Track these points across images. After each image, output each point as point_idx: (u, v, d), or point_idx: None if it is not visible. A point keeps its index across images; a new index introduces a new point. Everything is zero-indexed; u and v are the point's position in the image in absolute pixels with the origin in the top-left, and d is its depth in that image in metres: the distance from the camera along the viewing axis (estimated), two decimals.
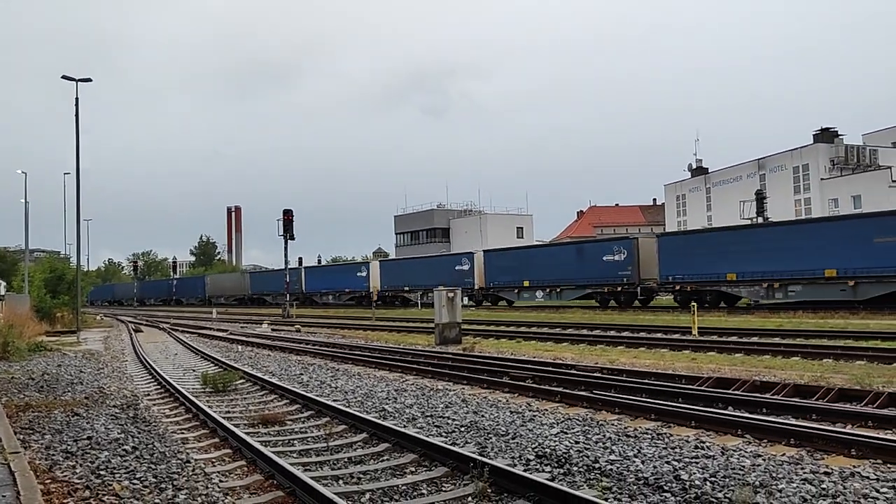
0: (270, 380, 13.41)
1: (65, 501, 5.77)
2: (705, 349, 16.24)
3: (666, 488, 5.90)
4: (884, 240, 25.70)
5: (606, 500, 5.64)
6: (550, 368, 13.41)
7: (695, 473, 6.26)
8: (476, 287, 45.34)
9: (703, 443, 7.45)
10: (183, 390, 11.92)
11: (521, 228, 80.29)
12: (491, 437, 8.08)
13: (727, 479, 6.05)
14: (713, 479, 6.09)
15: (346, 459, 7.41)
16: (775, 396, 9.67)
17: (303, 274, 64.30)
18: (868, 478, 5.99)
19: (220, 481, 6.57)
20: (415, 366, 14.95)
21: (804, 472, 6.18)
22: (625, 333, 21.22)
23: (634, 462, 6.74)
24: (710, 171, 69.34)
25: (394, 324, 31.45)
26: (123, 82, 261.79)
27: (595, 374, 12.52)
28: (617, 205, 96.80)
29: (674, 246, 34.31)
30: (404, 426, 8.70)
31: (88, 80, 29.88)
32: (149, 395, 12.68)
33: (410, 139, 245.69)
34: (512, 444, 7.69)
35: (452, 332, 20.55)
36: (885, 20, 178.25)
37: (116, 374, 16.05)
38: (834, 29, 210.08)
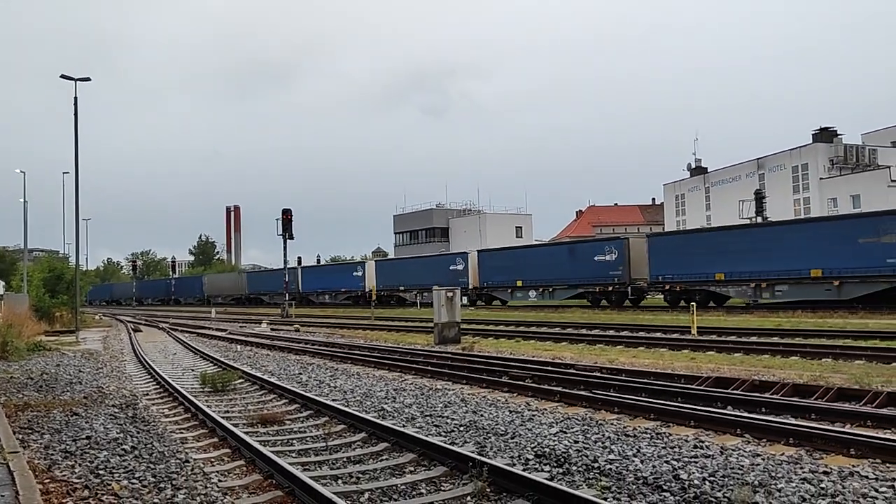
0: (269, 379, 13.41)
1: (63, 501, 5.77)
2: (704, 349, 16.25)
3: (665, 488, 5.90)
4: (868, 240, 26.16)
5: (606, 499, 5.64)
6: (549, 368, 13.41)
7: (694, 473, 6.26)
8: (470, 286, 45.57)
9: (703, 442, 7.46)
10: (182, 390, 11.92)
11: (521, 228, 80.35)
12: (490, 437, 8.08)
13: (726, 479, 6.05)
14: (712, 478, 6.09)
15: (345, 459, 7.41)
16: (774, 396, 9.68)
17: (299, 274, 64.37)
18: (867, 477, 5.99)
19: (219, 481, 6.56)
20: (414, 365, 14.95)
21: (803, 472, 6.19)
22: (624, 333, 21.23)
23: (633, 461, 6.74)
24: (709, 170, 69.33)
25: (393, 323, 31.45)
26: (123, 82, 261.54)
27: (594, 374, 12.53)
28: (616, 204, 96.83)
29: (663, 246, 34.79)
30: (403, 426, 8.70)
31: (87, 79, 29.89)
32: (148, 394, 12.67)
33: (410, 139, 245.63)
34: (511, 444, 7.69)
35: (451, 331, 20.56)
36: (884, 20, 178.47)
37: (115, 373, 16.04)
38: (833, 29, 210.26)
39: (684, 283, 32.97)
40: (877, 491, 5.64)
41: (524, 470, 6.51)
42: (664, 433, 7.98)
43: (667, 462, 6.67)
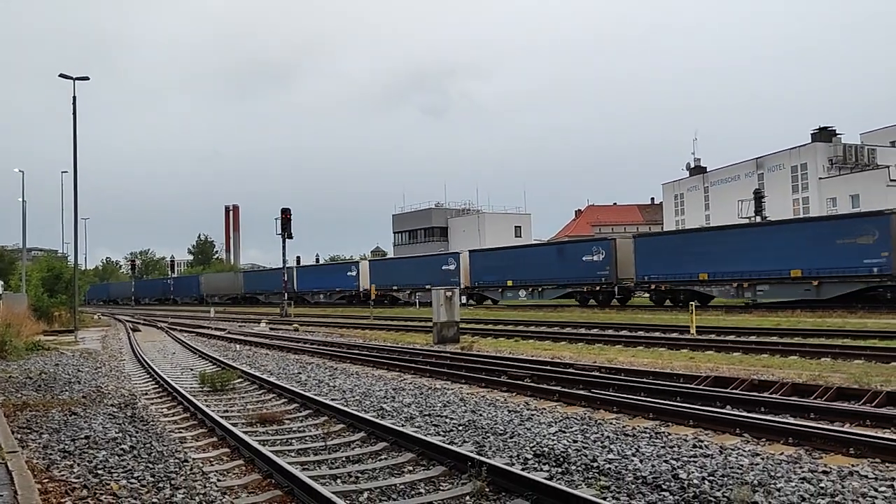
0: (269, 379, 13.40)
1: (62, 501, 5.76)
2: (703, 348, 16.25)
3: (664, 487, 5.90)
4: (845, 241, 26.74)
5: (605, 499, 5.63)
6: (548, 367, 13.41)
7: (693, 472, 6.26)
8: (462, 286, 45.80)
9: (702, 442, 7.46)
10: (181, 389, 11.91)
11: (520, 228, 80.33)
12: (489, 436, 8.08)
13: (725, 478, 6.05)
14: (711, 478, 6.09)
15: (344, 458, 7.40)
16: (773, 395, 9.68)
17: (294, 273, 64.48)
18: (866, 477, 5.99)
19: (219, 480, 6.56)
20: (413, 365, 14.94)
21: (803, 471, 6.19)
22: (622, 332, 21.23)
23: (633, 461, 6.73)
24: (708, 170, 69.36)
25: (392, 323, 31.44)
26: (123, 82, 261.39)
27: (593, 373, 12.53)
28: (615, 204, 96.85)
29: (649, 247, 35.27)
30: (402, 425, 8.70)
31: (86, 78, 29.87)
32: (147, 394, 12.66)
33: (409, 139, 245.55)
34: (510, 443, 7.69)
35: (450, 331, 20.55)
36: (884, 20, 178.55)
37: (114, 373, 16.02)
38: (833, 29, 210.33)
39: (669, 282, 33.68)
40: (876, 490, 5.64)
41: (523, 469, 6.51)
42: (663, 433, 7.97)
43: (666, 461, 6.66)
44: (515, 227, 79.87)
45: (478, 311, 40.38)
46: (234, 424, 8.89)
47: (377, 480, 6.50)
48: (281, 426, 9.29)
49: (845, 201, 52.55)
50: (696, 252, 32.19)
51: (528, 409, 9.73)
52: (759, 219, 43.97)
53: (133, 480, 6.41)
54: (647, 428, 8.26)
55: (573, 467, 6.62)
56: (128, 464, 7.02)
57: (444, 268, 48.11)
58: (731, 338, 18.39)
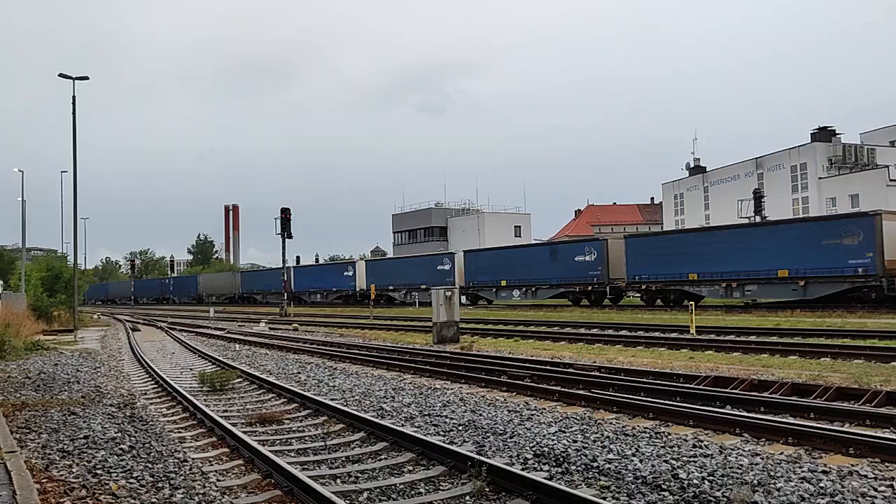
0: (268, 379, 13.39)
1: (61, 500, 5.75)
2: (703, 348, 16.25)
3: (664, 487, 5.90)
4: (830, 242, 27.24)
5: (605, 499, 5.62)
6: (548, 367, 13.40)
7: (693, 472, 6.25)
8: (457, 286, 45.87)
9: (702, 441, 7.45)
10: (180, 389, 11.89)
11: (519, 227, 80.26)
12: (489, 436, 8.07)
13: (725, 478, 6.05)
14: (711, 477, 6.09)
15: (343, 458, 7.40)
16: (773, 395, 9.68)
17: (291, 273, 64.62)
18: (866, 476, 5.99)
19: (218, 480, 6.55)
20: (412, 365, 14.93)
21: (802, 471, 6.18)
22: (622, 332, 21.22)
23: (633, 461, 6.73)
24: (707, 169, 69.33)
25: (391, 323, 31.43)
26: (123, 81, 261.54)
27: (593, 373, 12.52)
28: (615, 203, 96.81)
29: (640, 247, 35.71)
30: (402, 425, 8.69)
31: (86, 77, 29.89)
32: (146, 393, 12.65)
33: (409, 138, 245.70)
34: (510, 443, 7.68)
35: (450, 330, 20.54)
36: (883, 20, 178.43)
37: (114, 372, 16.01)
38: (833, 29, 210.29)
39: (660, 282, 34.16)
40: (876, 490, 5.63)
41: (523, 469, 6.50)
42: (663, 432, 7.97)
43: (666, 461, 6.66)
44: (515, 226, 79.80)
45: (477, 311, 40.38)
46: (234, 424, 8.88)
47: (377, 480, 6.50)
48: (280, 426, 9.28)
49: (845, 201, 52.52)
50: (685, 252, 32.69)
51: (527, 409, 9.72)
52: (758, 219, 44.01)
53: (132, 480, 6.40)
54: (646, 428, 8.25)
55: (573, 467, 6.61)
56: (127, 464, 7.01)
57: (439, 268, 48.53)
58: (731, 338, 18.38)
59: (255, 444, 7.38)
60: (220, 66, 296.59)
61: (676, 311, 30.35)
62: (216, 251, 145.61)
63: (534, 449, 7.34)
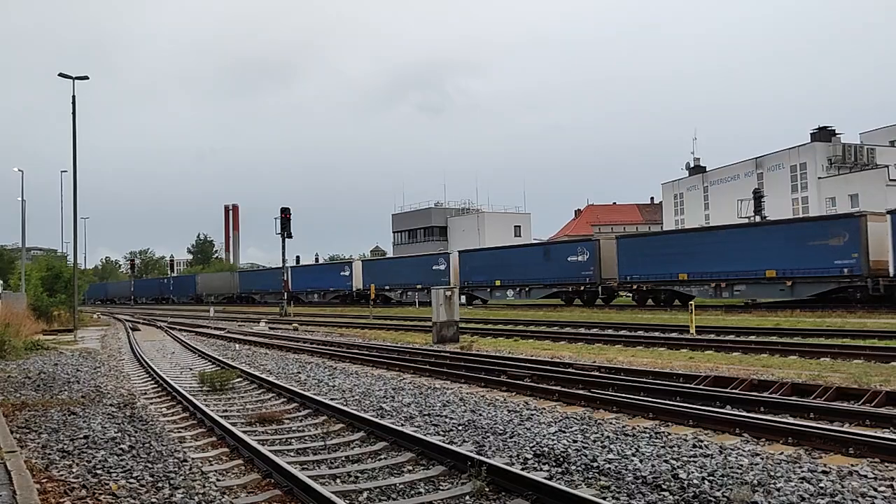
0: (268, 378, 13.39)
1: (61, 500, 5.75)
2: (703, 348, 16.25)
3: (664, 487, 5.89)
4: (816, 243, 27.73)
5: (605, 498, 5.62)
6: (548, 367, 13.40)
7: (693, 472, 6.25)
8: (456, 286, 46.15)
9: (702, 441, 7.45)
10: (180, 389, 11.89)
11: (519, 227, 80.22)
12: (489, 436, 8.07)
13: (725, 478, 6.05)
14: (711, 477, 6.09)
15: (343, 458, 7.40)
16: (773, 395, 9.68)
17: (289, 273, 64.80)
18: (866, 476, 5.99)
19: (218, 480, 6.55)
20: (412, 364, 14.93)
21: (802, 471, 6.18)
22: (622, 332, 21.22)
23: (633, 461, 6.73)
24: (707, 169, 69.31)
25: (391, 322, 31.43)
26: (122, 81, 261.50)
27: (593, 373, 12.52)
28: (615, 203, 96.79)
29: (631, 247, 36.12)
30: (402, 425, 8.69)
31: (85, 77, 29.88)
32: (146, 393, 12.65)
33: (409, 138, 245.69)
34: (510, 443, 7.68)
35: (450, 330, 20.54)
36: (883, 20, 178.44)
37: (113, 372, 16.01)
38: (833, 29, 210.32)
39: (651, 282, 34.64)
40: (876, 490, 5.63)
41: (523, 469, 6.50)
42: (663, 432, 7.97)
43: (666, 461, 6.66)
44: (515, 226, 79.77)
45: (476, 310, 40.40)
46: (234, 424, 8.88)
47: (377, 480, 6.49)
48: (280, 426, 9.28)
49: (844, 201, 52.48)
50: (676, 253, 33.23)
51: (527, 409, 9.72)
52: (758, 218, 44.04)
53: (132, 480, 6.40)
54: (646, 428, 8.25)
55: (573, 467, 6.61)
56: (127, 463, 7.01)
57: (434, 268, 48.95)
58: (731, 337, 18.39)
59: (254, 444, 7.38)
60: (220, 66, 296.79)
61: (676, 311, 30.38)
62: (216, 251, 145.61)
63: (534, 449, 7.34)
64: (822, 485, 5.77)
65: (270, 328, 32.42)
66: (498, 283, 43.68)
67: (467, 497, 5.88)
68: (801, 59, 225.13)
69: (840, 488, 5.68)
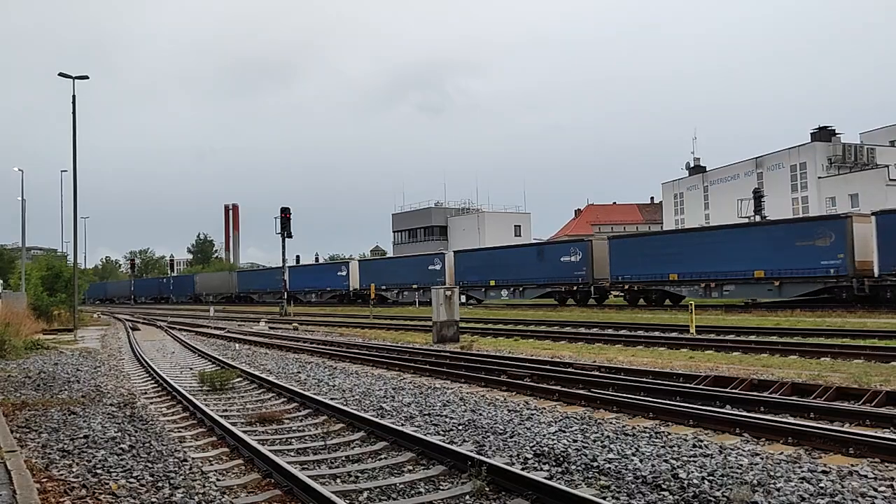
0: (268, 378, 13.39)
1: (61, 500, 5.75)
2: (703, 347, 16.25)
3: (664, 487, 5.89)
4: (803, 244, 28.25)
5: (605, 498, 5.62)
6: (548, 367, 13.40)
7: (693, 472, 6.25)
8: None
9: (702, 441, 7.45)
10: (180, 388, 11.89)
11: (519, 227, 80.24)
12: (489, 436, 8.07)
13: (725, 478, 6.05)
14: (711, 477, 6.08)
15: (343, 458, 7.39)
16: (773, 395, 9.68)
17: (287, 273, 64.95)
18: (866, 476, 5.98)
19: (218, 480, 6.55)
20: (412, 364, 14.93)
21: (802, 471, 6.18)
22: (622, 332, 21.22)
23: (633, 461, 6.73)
24: (707, 169, 69.32)
25: (391, 322, 31.43)
26: (122, 81, 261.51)
27: (593, 373, 12.52)
28: (615, 203, 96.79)
29: (623, 248, 36.66)
30: (402, 424, 8.69)
31: (85, 77, 29.89)
32: (146, 393, 12.65)
33: (409, 137, 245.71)
34: (510, 443, 7.68)
35: (450, 330, 20.54)
36: (883, 20, 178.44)
37: (114, 372, 16.01)
38: (834, 29, 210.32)
39: (642, 282, 35.18)
40: (876, 490, 5.63)
41: (523, 469, 6.50)
42: (663, 432, 7.97)
43: (666, 461, 6.66)
44: (515, 226, 79.78)
45: (476, 310, 40.42)
46: (234, 424, 8.88)
47: (377, 480, 6.49)
48: (280, 425, 9.28)
49: (844, 201, 52.49)
50: (666, 253, 33.71)
51: (527, 409, 9.72)
52: (758, 218, 44.09)
53: (132, 480, 6.40)
54: (646, 427, 8.25)
55: (573, 467, 6.61)
56: (127, 463, 7.01)
57: (429, 268, 49.49)
58: (731, 337, 18.39)
59: (254, 444, 7.38)
60: (220, 66, 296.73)
61: (676, 311, 30.40)
62: (216, 251, 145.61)
63: (534, 448, 7.34)
64: (822, 485, 5.77)
65: (270, 328, 32.42)
66: (492, 282, 44.18)
67: (467, 497, 5.88)
68: (801, 59, 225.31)
69: (840, 488, 5.67)
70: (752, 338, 18.09)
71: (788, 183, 58.80)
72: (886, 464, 6.37)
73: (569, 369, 12.99)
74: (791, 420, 8.05)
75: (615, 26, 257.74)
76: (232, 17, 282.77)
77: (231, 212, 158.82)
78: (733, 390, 10.07)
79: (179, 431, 8.99)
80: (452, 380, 12.96)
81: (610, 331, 21.90)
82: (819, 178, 56.63)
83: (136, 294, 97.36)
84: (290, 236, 48.02)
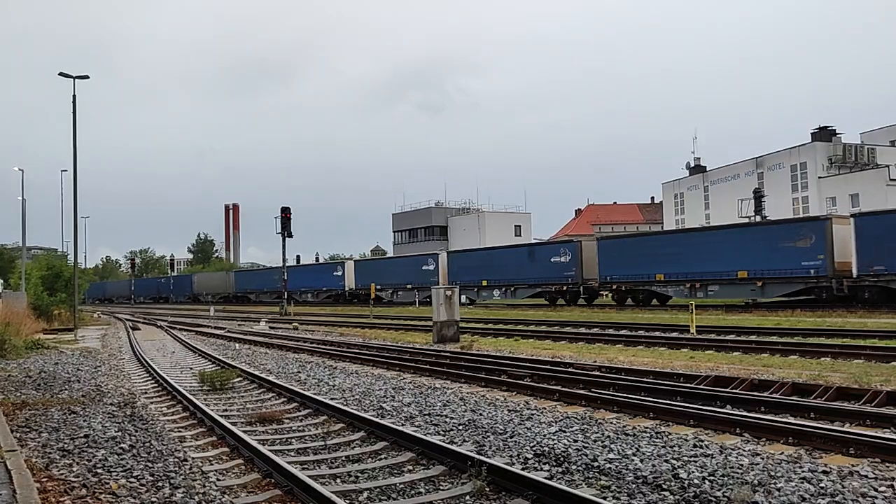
0: (268, 378, 13.39)
1: (61, 500, 5.74)
2: (703, 347, 16.25)
3: (665, 487, 5.89)
4: (785, 245, 28.77)
5: (605, 498, 5.62)
6: (549, 367, 13.40)
7: (693, 472, 6.25)
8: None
9: (702, 441, 7.44)
10: (180, 388, 11.89)
11: (520, 227, 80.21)
12: (489, 436, 8.06)
13: (726, 478, 6.04)
14: (712, 477, 6.08)
15: (343, 458, 7.39)
16: (774, 395, 9.68)
17: (285, 273, 65.14)
18: (866, 476, 5.98)
19: (218, 479, 6.54)
20: (413, 364, 14.92)
21: (803, 471, 6.17)
22: (623, 332, 21.22)
23: (633, 461, 6.72)
24: (708, 169, 69.30)
25: (391, 322, 31.42)
26: (123, 80, 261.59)
27: (593, 373, 12.52)
28: (615, 203, 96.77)
29: (611, 249, 37.22)
30: (402, 424, 8.68)
31: (86, 76, 29.89)
32: (146, 393, 12.65)
33: (409, 137, 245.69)
34: (510, 443, 7.68)
35: (450, 330, 20.54)
36: (883, 20, 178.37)
37: (114, 372, 16.01)
38: (834, 29, 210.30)
39: (630, 283, 35.80)
40: (876, 490, 5.63)
41: (523, 469, 6.50)
42: (664, 432, 7.96)
43: (666, 461, 6.65)
44: (515, 226, 79.76)
45: (476, 310, 40.44)
46: (234, 423, 8.88)
47: (377, 480, 6.49)
48: (280, 425, 9.27)
49: (845, 201, 52.47)
50: (653, 254, 34.30)
51: (528, 409, 9.71)
52: (758, 218, 44.11)
53: (132, 479, 6.40)
54: (647, 427, 8.25)
55: (573, 467, 6.60)
56: (127, 463, 7.00)
57: (423, 268, 50.00)
58: (732, 337, 18.39)
59: (254, 444, 7.38)
60: (220, 66, 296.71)
61: (677, 311, 30.38)
62: (216, 250, 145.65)
63: (534, 448, 7.34)
64: (822, 485, 5.77)
65: (271, 328, 32.42)
66: (485, 283, 44.74)
67: (467, 497, 5.88)
68: (801, 59, 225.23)
69: (840, 488, 5.67)
70: (753, 338, 18.09)
71: (789, 183, 58.79)
72: (887, 464, 6.37)
73: (569, 369, 12.99)
74: (791, 420, 8.05)
75: (615, 26, 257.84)
76: (232, 17, 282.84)
77: (231, 211, 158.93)
78: (734, 390, 10.07)
79: (179, 431, 8.99)
80: (453, 380, 12.96)
81: (610, 331, 21.90)
82: (819, 178, 56.61)
83: (136, 294, 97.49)
84: (290, 236, 48.05)
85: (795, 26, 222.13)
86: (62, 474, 6.52)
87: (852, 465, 6.30)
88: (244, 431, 8.34)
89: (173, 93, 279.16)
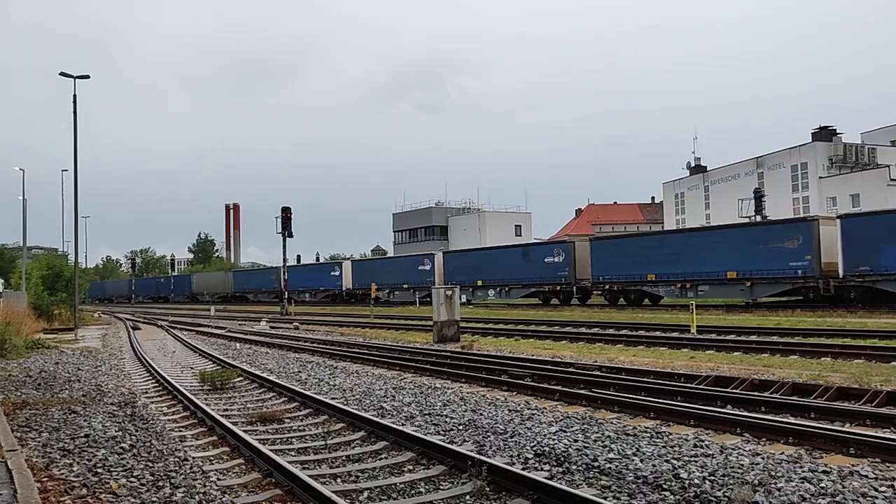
0: (269, 377, 13.39)
1: (62, 499, 5.75)
2: (704, 347, 16.25)
3: (665, 487, 5.89)
4: (773, 245, 29.15)
5: (605, 498, 5.62)
6: (549, 367, 13.40)
7: (694, 472, 6.25)
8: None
9: (702, 441, 7.45)
10: (181, 388, 11.89)
11: (520, 227, 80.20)
12: (489, 436, 8.07)
13: (726, 478, 6.04)
14: (712, 477, 6.08)
15: (344, 457, 7.40)
16: (774, 395, 9.68)
17: (285, 273, 65.27)
18: (867, 476, 5.98)
19: (218, 479, 6.55)
20: (413, 364, 14.93)
21: (803, 471, 6.18)
22: (623, 332, 21.22)
23: (633, 461, 6.72)
24: (708, 169, 69.29)
25: (392, 321, 31.43)
26: (123, 80, 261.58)
27: (594, 373, 12.52)
28: (616, 203, 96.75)
29: (603, 249, 37.69)
30: (402, 424, 8.69)
31: (87, 76, 29.88)
32: (147, 392, 12.65)
33: (409, 137, 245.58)
34: (510, 443, 7.68)
35: (451, 330, 20.54)
36: (884, 20, 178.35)
37: (114, 371, 16.01)
38: (834, 29, 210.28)
39: (622, 283, 36.27)
40: (876, 490, 5.63)
41: (524, 469, 6.50)
42: (664, 432, 7.96)
43: (667, 461, 6.65)
44: (516, 225, 79.76)
45: (476, 310, 40.43)
46: (234, 423, 8.88)
47: (377, 480, 6.49)
48: (281, 425, 9.28)
49: (845, 200, 52.47)
50: (644, 255, 34.73)
51: (528, 409, 9.72)
52: (759, 218, 44.13)
53: (133, 479, 6.40)
54: (648, 427, 8.25)
55: (574, 467, 6.61)
56: (127, 462, 7.01)
57: (419, 268, 50.41)
58: (732, 337, 18.39)
59: (255, 443, 7.38)
60: (220, 66, 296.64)
61: (677, 311, 30.39)
62: (217, 250, 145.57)
63: (534, 448, 7.34)
64: (822, 485, 5.77)
65: (271, 327, 32.44)
66: (480, 283, 45.10)
67: (468, 497, 5.88)
68: (802, 59, 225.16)
69: (841, 488, 5.67)
70: (753, 338, 18.09)
71: (789, 183, 58.77)
72: (887, 464, 6.37)
73: (570, 369, 12.99)
74: (792, 420, 8.05)
75: (615, 26, 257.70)
76: (232, 17, 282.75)
77: (232, 211, 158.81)
78: (734, 390, 10.07)
79: (180, 431, 8.99)
80: (453, 379, 12.96)
81: (611, 331, 21.90)
82: (820, 177, 56.60)
83: (136, 294, 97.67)
84: (290, 236, 48.06)
85: (795, 26, 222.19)
86: (63, 474, 6.53)
87: (852, 465, 6.30)
88: (245, 431, 8.34)
89: (173, 93, 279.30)
